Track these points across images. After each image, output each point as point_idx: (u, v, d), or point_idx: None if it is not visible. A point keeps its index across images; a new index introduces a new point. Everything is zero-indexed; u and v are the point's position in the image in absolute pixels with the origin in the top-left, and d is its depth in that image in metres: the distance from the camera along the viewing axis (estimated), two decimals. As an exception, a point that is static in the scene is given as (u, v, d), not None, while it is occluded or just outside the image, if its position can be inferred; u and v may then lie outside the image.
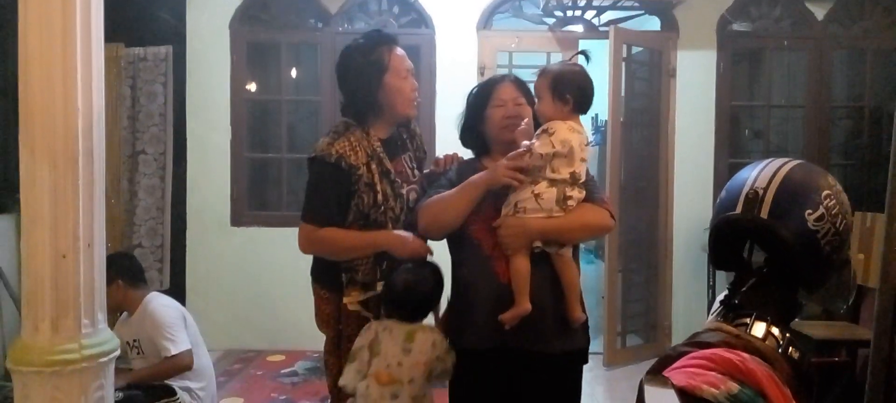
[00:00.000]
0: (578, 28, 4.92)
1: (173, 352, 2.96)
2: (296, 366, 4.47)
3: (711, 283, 4.63)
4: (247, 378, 4.31)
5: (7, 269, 3.92)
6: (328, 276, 2.07)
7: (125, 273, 3.07)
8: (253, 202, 5.04)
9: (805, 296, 1.39)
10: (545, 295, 1.92)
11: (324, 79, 4.90)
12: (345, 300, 2.02)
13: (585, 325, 2.02)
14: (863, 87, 5.04)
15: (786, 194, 1.27)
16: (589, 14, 4.87)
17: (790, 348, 1.24)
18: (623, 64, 4.64)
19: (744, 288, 1.32)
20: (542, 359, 1.94)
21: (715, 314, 1.34)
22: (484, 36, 4.85)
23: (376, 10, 4.91)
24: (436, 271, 2.02)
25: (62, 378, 1.98)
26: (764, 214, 1.27)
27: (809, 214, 1.25)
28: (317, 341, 2.23)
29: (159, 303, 3.09)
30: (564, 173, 1.90)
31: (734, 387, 1.08)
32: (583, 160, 1.93)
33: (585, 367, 2.08)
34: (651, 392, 1.05)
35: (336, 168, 1.99)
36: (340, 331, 2.07)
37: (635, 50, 4.80)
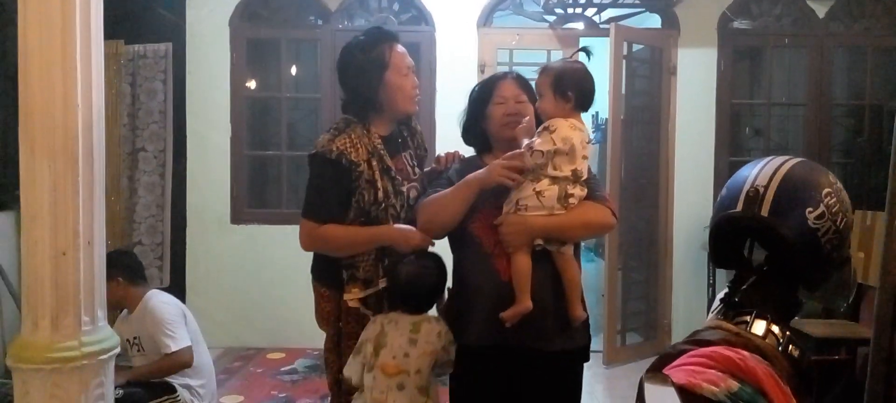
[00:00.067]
0: (579, 25, 4.91)
1: (173, 349, 2.96)
2: (296, 364, 4.48)
3: (711, 281, 4.64)
4: (247, 375, 4.31)
5: (7, 267, 3.92)
6: (328, 274, 2.07)
7: (125, 270, 3.07)
8: (253, 199, 5.05)
9: (805, 295, 1.39)
10: (546, 293, 1.92)
11: (324, 77, 4.90)
12: (345, 297, 2.02)
13: (586, 323, 2.02)
14: (863, 86, 5.04)
15: (786, 192, 1.27)
16: (589, 11, 4.86)
17: (790, 346, 1.24)
18: (624, 61, 4.64)
19: (744, 287, 1.32)
20: (542, 357, 1.94)
21: (715, 312, 1.34)
22: (484, 33, 4.85)
23: (376, 7, 4.90)
24: (438, 261, 2.03)
25: (62, 376, 1.98)
26: (764, 212, 1.27)
27: (810, 212, 1.25)
28: (317, 339, 2.23)
29: (159, 301, 3.09)
30: (566, 171, 1.89)
31: (734, 385, 1.08)
32: (584, 157, 1.92)
33: (585, 365, 2.08)
34: (651, 390, 1.05)
35: (337, 164, 1.99)
36: (340, 329, 2.07)
37: (636, 47, 4.80)
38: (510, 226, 1.90)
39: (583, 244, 2.38)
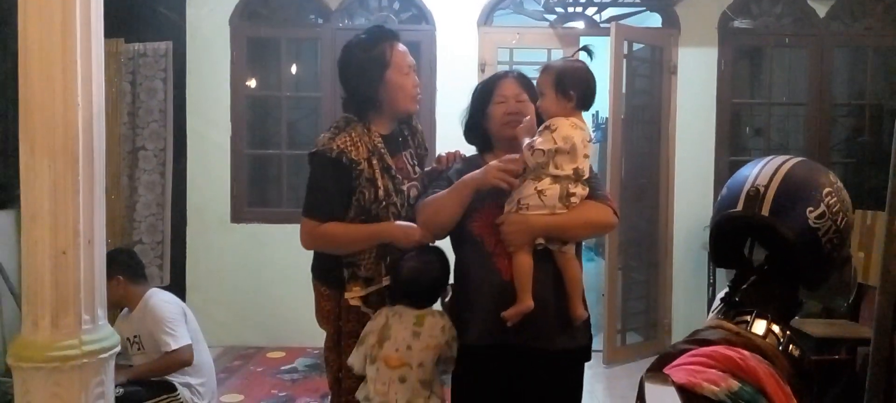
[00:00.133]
0: (579, 24, 4.91)
1: (173, 347, 2.97)
2: (296, 363, 4.48)
3: (711, 281, 4.63)
4: (247, 374, 4.31)
5: (7, 265, 3.92)
6: (329, 273, 2.07)
7: (126, 269, 3.08)
8: (253, 198, 5.04)
9: (806, 294, 1.38)
10: (547, 293, 1.92)
11: (324, 76, 4.89)
12: (346, 295, 2.02)
13: (588, 323, 2.02)
14: (864, 85, 5.04)
15: (787, 191, 1.27)
16: (590, 10, 4.86)
17: (791, 345, 1.24)
18: (624, 61, 4.64)
19: (744, 286, 1.32)
20: (544, 356, 1.94)
21: (715, 311, 1.34)
22: (484, 32, 4.85)
23: (376, 5, 4.90)
24: (441, 255, 2.03)
25: (62, 375, 1.98)
26: (765, 212, 1.27)
27: (810, 212, 1.25)
28: (317, 338, 2.23)
29: (160, 299, 3.10)
30: (567, 169, 1.89)
31: (735, 385, 1.08)
32: (586, 156, 1.92)
33: (585, 365, 2.08)
34: (651, 389, 1.05)
35: (337, 163, 1.99)
36: (340, 328, 2.07)
37: (636, 47, 4.79)
38: (511, 225, 1.90)
39: (583, 243, 2.38)
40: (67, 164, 1.99)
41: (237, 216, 4.91)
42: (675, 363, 1.17)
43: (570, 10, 4.84)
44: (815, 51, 4.85)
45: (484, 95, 2.09)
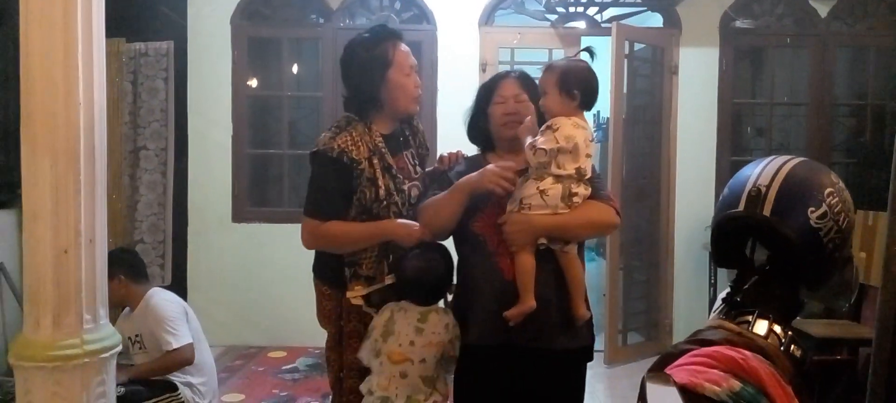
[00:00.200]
0: (581, 24, 4.91)
1: (175, 346, 2.97)
2: (297, 363, 4.48)
3: (713, 281, 4.63)
4: (248, 374, 4.32)
5: (9, 265, 3.93)
6: (330, 272, 2.07)
7: (127, 268, 3.08)
8: (254, 198, 5.05)
9: (807, 295, 1.38)
10: (550, 293, 1.92)
11: (325, 75, 4.89)
12: (348, 294, 2.02)
13: (590, 323, 2.02)
14: (865, 85, 5.03)
15: (788, 192, 1.27)
16: (591, 10, 4.86)
17: (792, 346, 1.24)
18: (625, 61, 4.64)
19: (746, 286, 1.31)
20: (546, 356, 1.94)
21: (717, 312, 1.34)
22: (486, 32, 4.85)
23: (378, 5, 4.90)
24: (444, 253, 2.03)
25: (64, 374, 1.99)
26: (766, 212, 1.26)
27: (812, 212, 1.24)
28: (318, 337, 2.23)
29: (161, 298, 3.10)
30: (570, 169, 1.89)
31: (736, 385, 1.07)
32: (588, 156, 1.92)
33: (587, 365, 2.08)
34: (653, 389, 1.05)
35: (338, 162, 1.99)
36: (342, 327, 2.07)
37: (638, 47, 4.79)
38: (514, 225, 1.90)
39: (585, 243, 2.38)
40: (69, 164, 1.99)
41: (238, 216, 4.91)
42: (676, 363, 1.17)
43: (572, 9, 4.84)
44: (817, 51, 4.84)
45: (485, 95, 2.10)
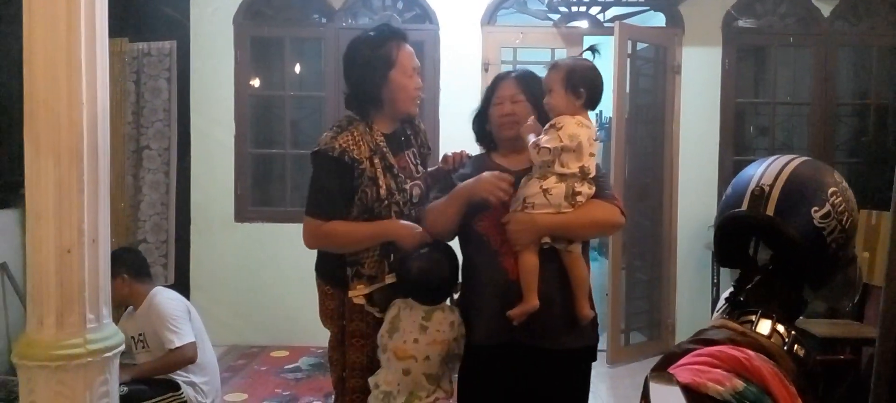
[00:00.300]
0: (583, 24, 4.90)
1: (177, 345, 2.97)
2: (299, 362, 4.48)
3: (715, 281, 4.63)
4: (251, 373, 4.32)
5: (12, 264, 3.93)
6: (332, 272, 2.07)
7: (130, 267, 3.08)
8: (257, 198, 5.05)
9: (810, 294, 1.38)
10: (553, 292, 1.92)
11: (327, 75, 4.89)
12: (350, 293, 2.02)
13: (594, 322, 2.02)
14: (868, 85, 5.02)
15: (792, 191, 1.26)
16: (594, 10, 4.86)
17: (795, 345, 1.23)
18: (628, 60, 4.63)
19: (749, 286, 1.31)
20: (550, 356, 1.94)
21: (720, 311, 1.34)
22: (488, 32, 4.84)
23: (380, 5, 4.90)
24: (449, 252, 2.03)
25: (67, 373, 1.99)
26: (769, 211, 1.26)
27: (816, 211, 1.24)
28: (321, 337, 2.23)
29: (164, 297, 3.10)
30: (573, 168, 1.89)
31: (740, 385, 1.07)
32: (592, 154, 1.92)
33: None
34: (656, 389, 1.05)
35: (339, 162, 1.99)
36: (344, 327, 2.07)
37: (640, 46, 4.79)
38: (517, 224, 1.90)
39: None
40: (72, 163, 2.00)
41: (241, 215, 4.92)
42: (679, 362, 1.16)
43: (574, 9, 4.83)
44: (820, 50, 4.83)
45: (487, 96, 2.11)
